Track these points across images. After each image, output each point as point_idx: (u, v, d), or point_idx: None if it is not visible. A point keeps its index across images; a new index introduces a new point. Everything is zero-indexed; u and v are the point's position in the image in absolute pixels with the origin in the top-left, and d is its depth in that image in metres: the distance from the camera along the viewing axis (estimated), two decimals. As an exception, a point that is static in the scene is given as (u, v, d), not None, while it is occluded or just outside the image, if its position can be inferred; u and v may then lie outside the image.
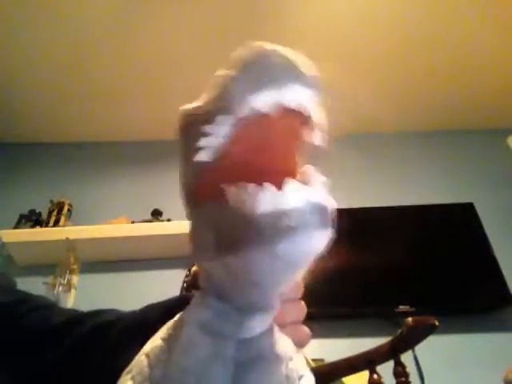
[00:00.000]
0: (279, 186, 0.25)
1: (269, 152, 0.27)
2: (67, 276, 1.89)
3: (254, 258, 0.24)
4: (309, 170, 0.27)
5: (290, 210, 0.24)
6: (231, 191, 0.25)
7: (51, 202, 2.20)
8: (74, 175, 2.43)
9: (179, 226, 2.06)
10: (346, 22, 2.04)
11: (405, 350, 0.92)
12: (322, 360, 1.46)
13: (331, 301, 1.87)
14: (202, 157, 0.25)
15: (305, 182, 0.25)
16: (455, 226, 2.09)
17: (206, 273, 0.29)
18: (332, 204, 0.26)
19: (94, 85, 2.28)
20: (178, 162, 0.28)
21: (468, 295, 1.86)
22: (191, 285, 1.88)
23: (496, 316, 1.84)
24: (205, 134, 0.25)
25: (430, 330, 0.87)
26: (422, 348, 0.95)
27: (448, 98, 2.41)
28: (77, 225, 2.08)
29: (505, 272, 1.88)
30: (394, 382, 0.91)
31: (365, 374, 0.93)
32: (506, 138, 2.54)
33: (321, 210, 0.25)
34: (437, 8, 1.99)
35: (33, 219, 2.14)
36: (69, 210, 2.19)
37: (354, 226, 2.06)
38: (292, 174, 0.26)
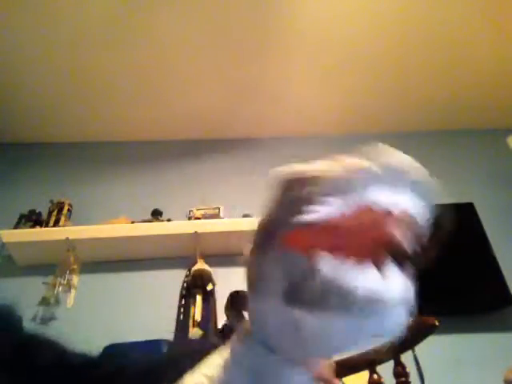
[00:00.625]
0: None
1: (359, 238, 0.28)
2: (67, 276, 1.89)
3: (335, 323, 0.25)
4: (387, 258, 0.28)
5: (388, 299, 0.25)
6: (324, 257, 0.26)
7: (51, 201, 2.20)
8: (73, 175, 2.43)
9: (179, 226, 2.06)
10: (346, 22, 2.03)
11: (405, 350, 0.92)
12: (322, 360, 1.45)
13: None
14: (310, 218, 0.26)
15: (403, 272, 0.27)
16: (455, 226, 2.09)
17: (258, 317, 0.29)
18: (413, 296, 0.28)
19: (94, 85, 2.28)
20: (269, 202, 0.30)
21: (468, 295, 1.86)
22: (191, 285, 1.88)
23: (496, 316, 1.83)
24: (321, 201, 0.26)
25: (430, 330, 0.86)
26: (421, 348, 0.95)
27: (448, 98, 2.41)
28: (77, 225, 2.08)
29: (505, 272, 1.88)
30: (393, 382, 0.91)
31: (365, 374, 0.93)
32: (506, 138, 2.54)
33: (410, 303, 0.27)
34: (437, 9, 1.99)
35: (33, 219, 2.13)
36: (69, 209, 2.19)
37: (354, 226, 2.06)
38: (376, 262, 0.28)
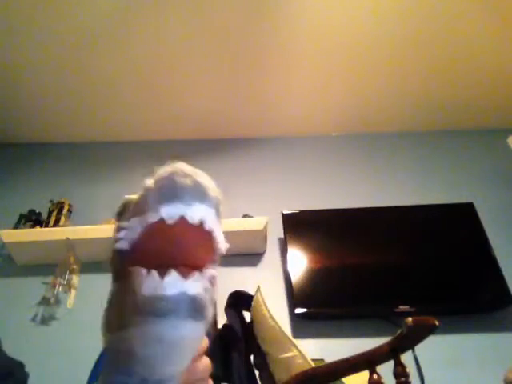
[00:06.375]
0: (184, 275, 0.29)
1: (182, 248, 0.31)
2: (67, 276, 1.89)
3: (135, 335, 0.27)
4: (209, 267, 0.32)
5: (165, 296, 0.27)
6: (133, 272, 0.29)
7: (51, 201, 2.20)
8: (74, 175, 2.43)
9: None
10: (347, 23, 2.04)
11: (405, 350, 0.92)
12: (321, 360, 1.45)
13: (331, 301, 1.86)
14: (119, 245, 0.32)
15: (191, 275, 0.29)
16: (455, 226, 2.09)
17: (111, 347, 0.32)
18: (208, 301, 0.30)
19: (94, 85, 2.28)
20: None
21: (468, 295, 1.86)
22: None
23: (496, 316, 1.84)
24: (122, 228, 0.31)
25: (430, 330, 0.86)
26: (422, 348, 0.95)
27: (448, 98, 2.41)
28: (77, 225, 2.08)
29: (505, 272, 1.88)
30: (393, 382, 0.91)
31: (365, 374, 0.93)
32: (506, 138, 2.54)
33: (193, 302, 0.28)
34: (438, 9, 1.99)
35: (33, 219, 2.14)
36: (69, 209, 2.19)
37: (353, 225, 2.06)
38: (199, 268, 0.31)
